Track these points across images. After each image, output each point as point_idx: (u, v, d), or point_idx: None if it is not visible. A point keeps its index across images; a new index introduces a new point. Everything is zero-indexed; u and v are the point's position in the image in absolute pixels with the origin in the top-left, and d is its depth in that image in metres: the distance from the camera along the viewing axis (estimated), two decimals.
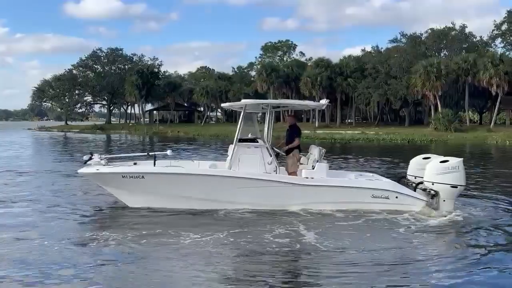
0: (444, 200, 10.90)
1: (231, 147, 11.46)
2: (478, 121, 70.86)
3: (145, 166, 11.35)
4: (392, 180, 12.00)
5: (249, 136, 11.71)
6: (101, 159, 10.91)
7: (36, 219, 9.92)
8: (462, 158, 11.26)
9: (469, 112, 64.02)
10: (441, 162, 11.07)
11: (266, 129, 11.98)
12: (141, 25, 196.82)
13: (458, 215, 10.49)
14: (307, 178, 11.06)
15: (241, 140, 11.06)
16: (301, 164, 11.83)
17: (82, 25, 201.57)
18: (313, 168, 11.21)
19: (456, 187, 10.90)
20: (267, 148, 11.15)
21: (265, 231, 9.00)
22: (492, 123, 57.97)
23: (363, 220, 10.13)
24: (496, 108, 58.09)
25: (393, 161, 23.88)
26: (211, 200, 10.79)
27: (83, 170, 10.98)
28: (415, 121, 70.57)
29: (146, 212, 10.47)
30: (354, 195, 11.03)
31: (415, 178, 11.60)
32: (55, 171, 18.52)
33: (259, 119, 12.72)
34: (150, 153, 11.64)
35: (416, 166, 11.75)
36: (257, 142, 11.25)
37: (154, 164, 10.97)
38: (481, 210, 11.33)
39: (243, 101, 11.61)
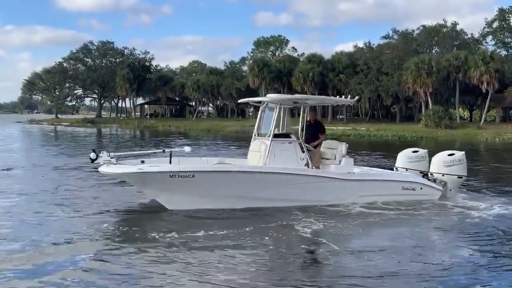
0: (450, 190, 12.25)
1: (256, 142, 11.34)
2: (468, 118, 71.30)
3: (194, 165, 10.97)
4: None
5: (272, 131, 11.07)
6: (111, 157, 10.11)
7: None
8: (464, 152, 12.62)
9: (460, 109, 64.39)
10: (448, 155, 12.38)
11: (300, 124, 11.77)
12: (133, 18, 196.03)
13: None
14: (349, 173, 11.46)
15: (275, 136, 10.86)
16: (329, 159, 11.82)
17: (74, 18, 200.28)
18: (339, 163, 11.45)
19: (461, 177, 12.33)
20: (300, 143, 11.13)
21: (309, 227, 8.94)
22: (482, 121, 58.39)
23: (404, 213, 10.60)
24: (486, 106, 58.53)
25: (385, 156, 24.13)
26: (265, 199, 10.41)
27: (111, 169, 9.95)
28: (406, 117, 70.87)
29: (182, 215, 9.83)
30: (388, 188, 11.63)
31: (407, 170, 12.43)
32: (63, 168, 17.67)
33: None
34: (166, 150, 10.90)
35: (405, 159, 12.64)
36: (291, 137, 11.15)
37: (170, 162, 10.29)
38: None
39: (277, 96, 11.57)
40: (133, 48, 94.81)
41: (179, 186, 9.86)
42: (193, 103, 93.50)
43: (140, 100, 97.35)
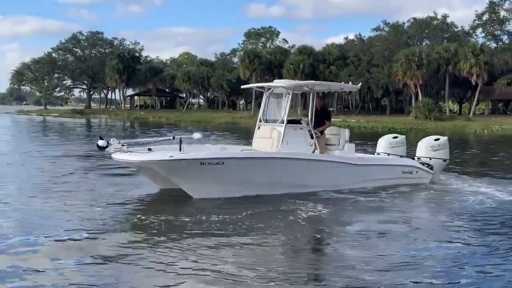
0: (435, 173, 12.82)
1: (264, 128, 11.28)
2: (458, 112, 71.72)
3: (224, 151, 10.86)
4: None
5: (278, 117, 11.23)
6: (122, 145, 9.72)
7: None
8: (447, 137, 13.37)
9: (449, 102, 64.71)
10: (434, 140, 13.04)
11: (309, 111, 11.68)
12: (124, 8, 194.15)
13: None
14: (360, 158, 11.89)
15: (288, 122, 10.87)
16: (333, 145, 11.94)
17: (63, 8, 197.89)
18: (343, 149, 11.71)
19: (446, 161, 13.05)
20: (309, 129, 11.19)
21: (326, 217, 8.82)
22: (471, 113, 58.75)
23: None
24: (476, 98, 58.85)
25: (375, 145, 24.17)
26: (294, 185, 10.50)
27: (133, 157, 9.53)
28: (396, 110, 71.09)
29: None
30: (391, 172, 12.18)
31: (388, 155, 12.96)
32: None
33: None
34: (176, 137, 10.52)
35: (386, 144, 13.15)
36: (301, 123, 11.20)
37: (180, 149, 9.89)
38: None
39: (290, 82, 11.52)
40: (123, 39, 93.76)
41: (208, 173, 9.63)
42: (184, 95, 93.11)
43: (130, 92, 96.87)
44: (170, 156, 9.44)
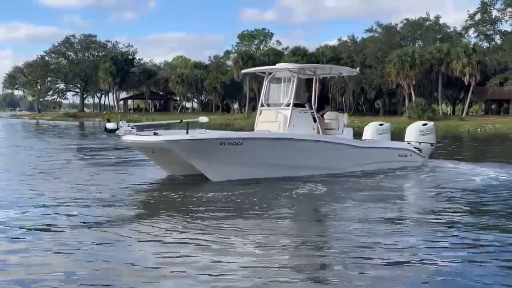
0: (425, 156, 13.44)
1: (268, 112, 11.29)
2: (451, 113, 71.85)
3: (239, 132, 10.83)
4: None
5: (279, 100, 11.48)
6: (132, 127, 9.59)
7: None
8: (433, 122, 14.27)
9: (442, 104, 64.81)
10: (423, 125, 13.70)
11: (313, 95, 11.70)
12: (117, 15, 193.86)
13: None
14: (364, 140, 12.58)
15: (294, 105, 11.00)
16: (333, 129, 12.08)
17: (56, 14, 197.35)
18: (342, 133, 11.97)
19: (433, 145, 13.65)
20: (312, 113, 11.30)
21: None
22: (464, 113, 58.88)
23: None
24: (468, 98, 58.99)
25: None
26: (308, 167, 10.67)
27: (150, 138, 9.38)
28: (390, 112, 71.17)
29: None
30: (390, 155, 12.76)
31: (373, 141, 13.33)
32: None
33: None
34: (183, 120, 10.61)
35: (374, 131, 13.53)
36: (305, 107, 11.27)
37: (187, 133, 9.73)
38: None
39: (294, 65, 11.70)
40: (116, 42, 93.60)
41: (227, 154, 9.54)
42: (178, 98, 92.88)
43: (123, 95, 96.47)
44: (192, 136, 9.40)
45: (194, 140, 9.37)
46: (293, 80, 10.99)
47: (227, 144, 9.46)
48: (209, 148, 9.43)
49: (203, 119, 11.21)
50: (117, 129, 9.46)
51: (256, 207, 7.71)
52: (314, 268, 4.92)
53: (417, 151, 13.18)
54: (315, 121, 11.17)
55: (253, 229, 6.41)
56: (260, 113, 11.59)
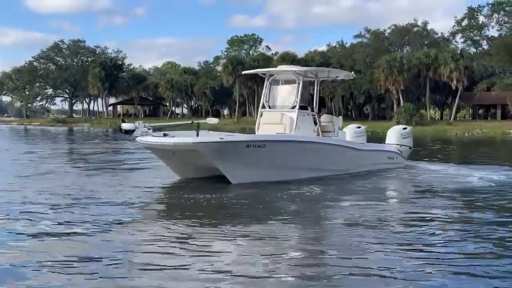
0: (406, 158, 14.01)
1: (271, 114, 11.36)
2: (439, 118, 72.44)
3: (265, 134, 10.77)
4: None
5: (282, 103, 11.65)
6: (148, 128, 9.47)
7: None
8: (411, 127, 15.19)
9: (430, 110, 65.32)
10: (403, 129, 14.27)
11: (315, 97, 11.89)
12: (106, 20, 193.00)
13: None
14: (361, 143, 12.80)
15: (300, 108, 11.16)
16: (329, 131, 12.26)
17: (45, 20, 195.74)
18: (337, 135, 12.23)
19: (411, 148, 14.18)
20: (313, 116, 11.53)
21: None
22: (451, 117, 59.39)
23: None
24: (456, 103, 59.51)
25: None
26: (324, 169, 11.02)
27: (178, 140, 9.21)
28: (379, 117, 71.64)
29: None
30: (381, 157, 13.18)
31: (369, 143, 13.69)
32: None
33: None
34: (194, 122, 10.46)
35: (352, 133, 13.72)
36: (308, 109, 11.43)
37: (197, 135, 9.54)
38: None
39: (299, 68, 11.80)
40: (105, 47, 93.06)
41: (250, 156, 9.59)
42: (167, 104, 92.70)
43: (112, 100, 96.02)
44: (221, 138, 9.42)
45: (224, 142, 9.36)
46: (299, 83, 11.10)
47: (252, 146, 9.56)
48: (236, 150, 9.48)
49: (212, 120, 11.34)
50: (134, 130, 9.35)
51: (267, 211, 7.74)
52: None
53: (401, 154, 13.64)
54: (315, 123, 11.36)
55: (262, 233, 6.25)
56: (261, 115, 11.63)
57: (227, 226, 6.53)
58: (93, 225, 6.52)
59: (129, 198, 8.46)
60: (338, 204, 8.42)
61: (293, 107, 11.01)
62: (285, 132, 10.85)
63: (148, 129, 9.49)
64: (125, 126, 9.36)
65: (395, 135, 13.82)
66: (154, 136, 9.53)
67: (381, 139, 15.00)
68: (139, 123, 9.53)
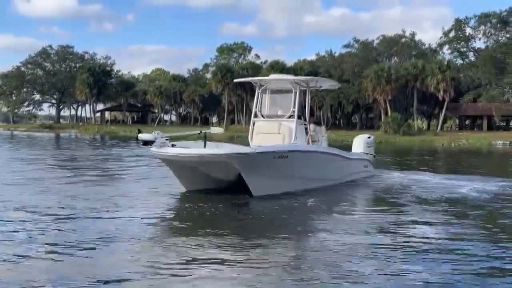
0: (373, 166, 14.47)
1: (267, 124, 11.34)
2: (426, 128, 73.02)
3: (284, 145, 10.65)
4: None
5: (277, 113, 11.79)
6: (166, 139, 9.19)
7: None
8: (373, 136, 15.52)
9: (418, 120, 65.90)
10: (368, 138, 14.61)
11: (307, 107, 11.92)
12: (96, 26, 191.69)
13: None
14: (353, 152, 13.35)
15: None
16: (315, 141, 12.24)
17: (34, 25, 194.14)
18: (321, 144, 12.40)
19: (375, 156, 14.73)
20: (305, 125, 11.64)
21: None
22: (438, 128, 59.91)
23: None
24: (443, 114, 60.06)
25: None
26: (331, 179, 11.44)
27: (211, 151, 9.10)
28: (367, 126, 72.08)
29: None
30: (360, 165, 13.46)
31: (353, 153, 14.10)
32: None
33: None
34: (202, 131, 10.19)
35: (365, 144, 14.36)
36: (301, 119, 11.45)
37: (205, 146, 9.42)
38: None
39: (294, 77, 12.02)
40: (94, 53, 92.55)
41: (274, 167, 9.50)
42: (156, 110, 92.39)
43: (100, 107, 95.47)
44: (251, 149, 9.29)
45: (256, 154, 9.18)
46: (295, 92, 11.09)
47: (278, 157, 9.48)
48: (264, 162, 9.34)
49: (216, 129, 11.42)
50: (154, 141, 9.00)
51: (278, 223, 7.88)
52: None
53: (371, 162, 14.06)
54: (306, 133, 11.40)
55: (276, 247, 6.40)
56: (254, 124, 11.47)
57: (238, 239, 6.67)
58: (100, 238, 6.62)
59: (142, 212, 8.33)
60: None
61: (290, 117, 11.01)
62: (284, 142, 10.82)
63: (166, 139, 9.17)
64: (144, 136, 9.04)
65: (362, 144, 14.02)
66: (169, 147, 9.20)
67: (347, 147, 15.16)
68: (157, 133, 9.22)
